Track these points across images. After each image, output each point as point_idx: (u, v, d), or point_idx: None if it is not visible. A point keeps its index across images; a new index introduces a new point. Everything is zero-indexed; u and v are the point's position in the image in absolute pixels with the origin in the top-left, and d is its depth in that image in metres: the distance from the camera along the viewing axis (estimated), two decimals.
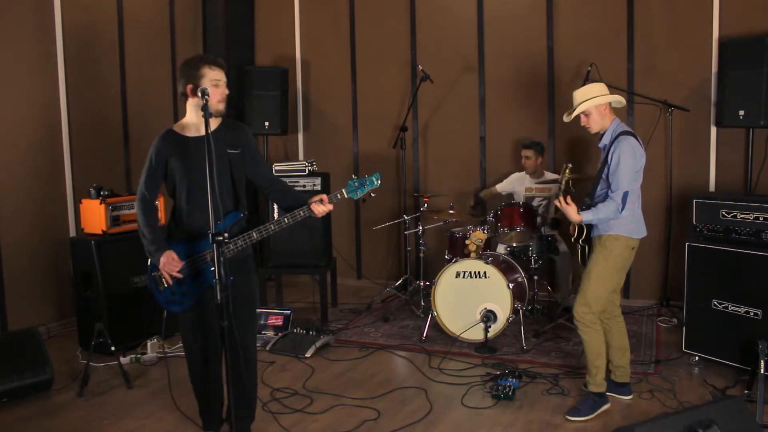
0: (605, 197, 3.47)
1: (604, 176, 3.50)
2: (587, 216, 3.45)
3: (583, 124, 3.59)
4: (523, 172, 5.41)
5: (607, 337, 3.68)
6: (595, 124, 3.54)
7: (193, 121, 2.96)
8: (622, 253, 3.50)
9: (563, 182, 3.68)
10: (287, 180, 5.27)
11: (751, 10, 4.95)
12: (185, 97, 2.93)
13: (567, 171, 3.68)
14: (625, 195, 3.39)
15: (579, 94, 3.57)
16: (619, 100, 3.58)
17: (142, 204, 2.98)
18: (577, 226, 3.60)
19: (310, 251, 5.30)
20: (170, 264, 2.90)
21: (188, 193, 2.95)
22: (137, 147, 5.63)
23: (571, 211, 3.47)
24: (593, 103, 3.50)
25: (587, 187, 3.71)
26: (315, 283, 5.71)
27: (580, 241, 3.63)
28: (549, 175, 5.29)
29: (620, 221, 3.45)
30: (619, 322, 3.68)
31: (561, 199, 3.51)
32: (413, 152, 6.26)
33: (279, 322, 4.83)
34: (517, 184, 5.38)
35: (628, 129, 3.51)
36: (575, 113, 3.57)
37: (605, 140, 3.54)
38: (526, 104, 5.80)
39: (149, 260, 2.98)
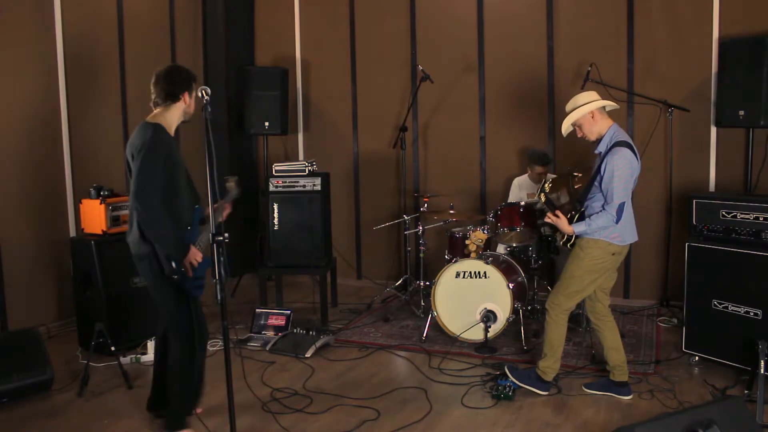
0: (600, 204, 3.50)
1: (596, 184, 3.53)
2: (580, 228, 3.52)
3: (579, 136, 3.64)
4: (524, 177, 5.40)
5: (599, 338, 3.78)
6: (590, 133, 3.58)
7: (174, 122, 3.20)
8: (600, 257, 3.53)
9: (542, 196, 3.70)
10: (287, 180, 5.28)
11: (751, 10, 4.95)
12: (174, 100, 3.16)
13: (547, 185, 3.70)
14: (621, 206, 3.43)
15: (569, 107, 3.62)
16: (609, 104, 3.59)
17: (161, 206, 3.01)
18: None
19: (310, 251, 5.30)
20: (194, 253, 3.14)
21: (180, 188, 3.13)
22: None
23: (563, 223, 3.57)
24: (578, 114, 3.53)
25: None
26: (315, 283, 5.71)
27: (569, 245, 3.67)
28: (550, 177, 5.28)
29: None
30: (609, 321, 3.72)
31: (550, 214, 3.60)
32: (413, 152, 6.26)
33: (279, 322, 4.83)
34: (520, 191, 5.38)
35: (624, 139, 3.50)
36: (565, 129, 3.63)
37: (601, 148, 3.56)
38: (526, 104, 5.80)
39: (171, 261, 3.06)
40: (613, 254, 3.54)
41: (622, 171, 3.40)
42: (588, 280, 3.59)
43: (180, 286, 3.13)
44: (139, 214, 3.03)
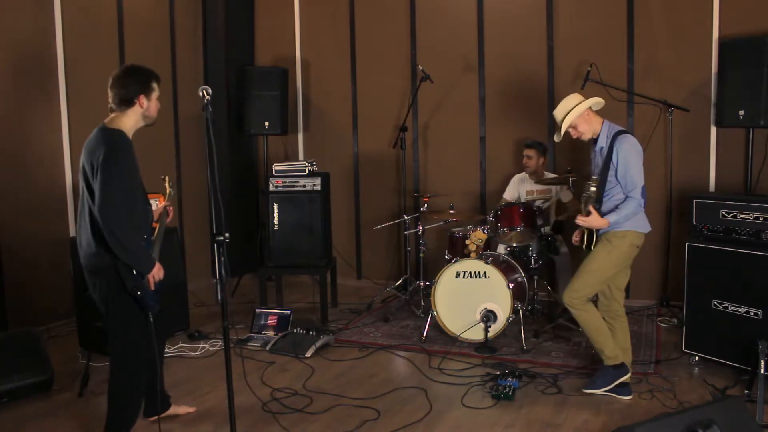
0: (618, 196, 3.54)
1: (609, 178, 3.55)
2: (613, 218, 3.52)
3: (575, 137, 3.67)
4: (523, 174, 5.39)
5: None
6: (586, 132, 3.62)
7: (132, 127, 3.04)
8: (627, 251, 3.58)
9: (593, 190, 3.52)
10: (287, 180, 5.29)
11: (751, 10, 4.95)
12: (129, 105, 3.00)
13: (593, 190, 3.55)
14: (644, 189, 3.50)
15: (559, 112, 3.64)
16: (597, 101, 3.63)
17: (130, 216, 2.90)
18: (586, 235, 3.63)
19: (310, 251, 5.30)
20: (159, 271, 3.04)
21: (140, 197, 3.02)
22: (136, 148, 5.62)
23: (594, 219, 3.52)
24: (574, 114, 3.56)
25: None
26: (315, 283, 5.71)
27: (592, 247, 3.64)
28: (549, 176, 5.28)
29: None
30: (623, 321, 3.73)
31: (581, 217, 3.54)
32: (413, 152, 6.26)
33: (279, 322, 4.83)
34: (519, 186, 5.38)
35: (622, 128, 3.59)
36: (563, 130, 3.64)
37: (601, 143, 3.60)
38: (526, 104, 5.81)
39: (134, 271, 2.93)
40: (637, 247, 3.60)
41: (634, 155, 3.48)
42: (611, 272, 3.61)
43: (140, 302, 2.97)
44: (108, 228, 2.82)
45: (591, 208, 3.53)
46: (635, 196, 3.48)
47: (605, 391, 3.64)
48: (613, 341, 3.67)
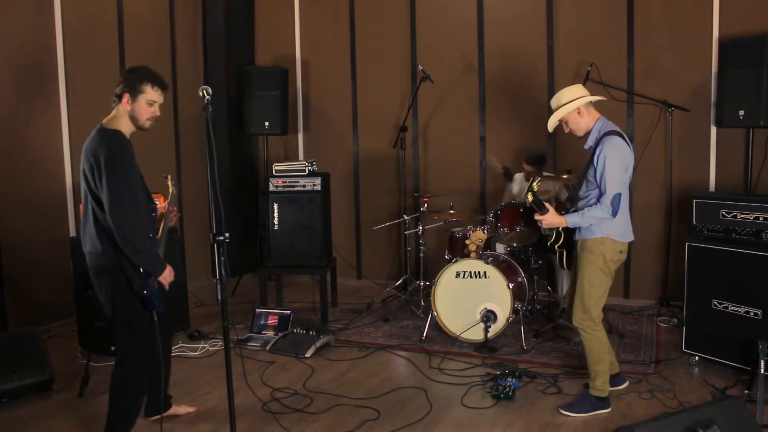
0: (596, 199, 3.38)
1: (590, 178, 3.41)
2: (573, 219, 3.38)
3: (567, 131, 3.52)
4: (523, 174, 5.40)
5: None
6: (577, 129, 3.47)
7: (125, 127, 3.00)
8: (611, 256, 3.41)
9: (529, 195, 3.43)
10: (287, 180, 5.29)
11: (751, 10, 4.96)
12: (119, 100, 2.98)
13: (536, 184, 3.43)
14: (618, 197, 3.30)
15: (554, 103, 3.51)
16: (594, 99, 3.47)
17: (137, 214, 2.90)
18: (555, 231, 3.54)
19: (310, 251, 5.30)
20: (170, 274, 3.04)
21: (142, 195, 3.01)
22: (136, 148, 5.61)
23: (551, 217, 3.40)
24: (564, 112, 3.43)
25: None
26: (315, 283, 5.71)
27: (556, 246, 3.56)
28: (549, 176, 5.28)
29: (606, 223, 3.36)
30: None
31: (537, 214, 3.44)
32: (413, 152, 6.26)
33: (279, 322, 4.83)
34: (522, 184, 5.37)
35: (614, 129, 3.41)
36: (552, 125, 3.52)
37: (590, 141, 3.45)
38: (526, 104, 5.80)
39: (141, 269, 2.92)
40: (621, 252, 3.43)
41: (613, 159, 3.29)
42: (606, 281, 3.43)
43: (145, 301, 2.95)
44: (118, 230, 2.81)
45: (548, 206, 3.42)
46: (604, 202, 3.30)
47: (591, 414, 3.47)
48: (607, 375, 3.52)
